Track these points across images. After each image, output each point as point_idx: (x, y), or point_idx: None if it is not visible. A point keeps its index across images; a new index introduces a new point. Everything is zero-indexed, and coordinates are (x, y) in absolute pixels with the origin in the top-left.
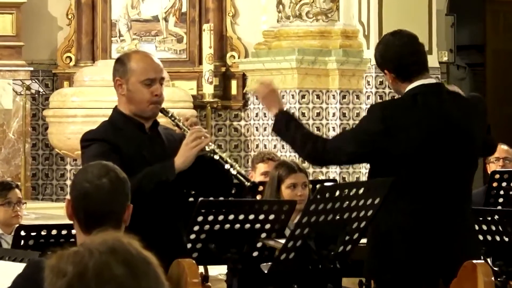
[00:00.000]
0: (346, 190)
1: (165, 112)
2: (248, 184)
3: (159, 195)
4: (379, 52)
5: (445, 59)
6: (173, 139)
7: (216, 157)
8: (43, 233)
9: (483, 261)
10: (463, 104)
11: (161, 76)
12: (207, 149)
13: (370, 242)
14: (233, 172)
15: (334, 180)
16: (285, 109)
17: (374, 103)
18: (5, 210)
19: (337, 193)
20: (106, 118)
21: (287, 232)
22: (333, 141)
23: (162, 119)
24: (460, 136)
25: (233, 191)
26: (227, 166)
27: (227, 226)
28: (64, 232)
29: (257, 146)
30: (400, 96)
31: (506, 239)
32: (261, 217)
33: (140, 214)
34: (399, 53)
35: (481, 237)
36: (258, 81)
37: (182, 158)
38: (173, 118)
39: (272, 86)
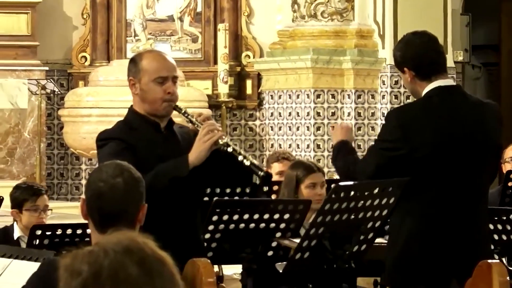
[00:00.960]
0: (361, 190)
1: (178, 109)
2: (261, 173)
3: (175, 193)
4: (399, 50)
5: (460, 58)
6: (188, 137)
7: (230, 149)
8: (58, 232)
9: (498, 261)
10: (479, 107)
11: (173, 75)
12: (220, 142)
13: (391, 253)
14: (246, 163)
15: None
16: (345, 140)
17: (389, 103)
18: (30, 215)
19: (352, 192)
20: (121, 118)
21: (302, 231)
22: (361, 160)
23: (177, 118)
24: (476, 139)
25: (247, 191)
26: (240, 158)
27: (242, 225)
28: (79, 231)
29: (272, 145)
30: (415, 97)
31: None
32: (276, 216)
33: (155, 213)
34: (420, 51)
35: (496, 237)
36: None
37: (196, 153)
38: (186, 115)
39: (347, 126)
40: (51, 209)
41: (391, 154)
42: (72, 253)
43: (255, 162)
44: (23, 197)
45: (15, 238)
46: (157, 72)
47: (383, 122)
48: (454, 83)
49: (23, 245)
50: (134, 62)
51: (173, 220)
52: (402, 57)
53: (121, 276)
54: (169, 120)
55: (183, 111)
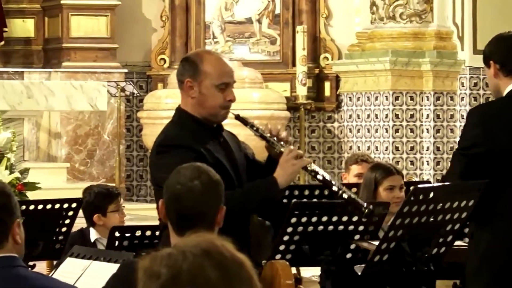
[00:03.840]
0: (440, 192)
1: (244, 121)
2: (366, 211)
3: None
4: (488, 45)
5: None
6: (233, 140)
7: (319, 177)
8: (137, 234)
9: None
10: None
11: (234, 80)
12: (309, 168)
13: (477, 260)
14: (345, 196)
15: (428, 181)
16: None
17: (468, 105)
18: (117, 216)
19: (431, 195)
20: None
21: (381, 234)
22: (447, 173)
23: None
24: None
25: (326, 193)
26: (334, 188)
27: (321, 227)
28: (157, 233)
29: (351, 147)
30: (495, 96)
31: None
32: (355, 218)
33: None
34: (507, 45)
35: None
36: None
37: (285, 176)
38: (255, 128)
39: None
40: (124, 206)
41: (471, 151)
42: (151, 256)
43: (353, 195)
44: (107, 200)
45: (91, 240)
46: (221, 78)
47: (465, 122)
48: None
49: (100, 247)
50: (192, 63)
51: (244, 223)
52: (489, 50)
53: (200, 279)
54: (218, 125)
55: (250, 124)
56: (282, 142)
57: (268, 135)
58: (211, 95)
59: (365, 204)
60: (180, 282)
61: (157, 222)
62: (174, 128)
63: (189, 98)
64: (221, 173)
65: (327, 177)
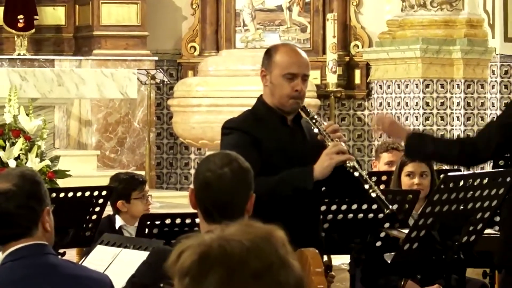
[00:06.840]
0: (471, 180)
1: (306, 111)
2: (387, 211)
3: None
4: None
5: None
6: (314, 134)
7: (356, 174)
8: (167, 222)
9: None
10: None
11: (304, 73)
12: (348, 164)
13: (503, 233)
14: (373, 195)
15: (458, 169)
16: (412, 131)
17: (499, 93)
18: (140, 203)
19: (461, 183)
20: (231, 108)
21: (411, 222)
22: (481, 137)
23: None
24: None
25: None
26: (366, 187)
27: (350, 215)
28: (188, 221)
29: (381, 135)
30: None
31: None
32: None
33: (275, 209)
34: None
35: None
36: (375, 121)
37: (321, 168)
38: (314, 121)
39: (389, 117)
40: (151, 195)
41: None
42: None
43: (382, 196)
44: (131, 187)
45: (116, 227)
46: (288, 68)
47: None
48: None
49: (126, 233)
50: (268, 53)
51: (293, 216)
52: None
53: (288, 263)
54: (297, 114)
55: (311, 116)
56: (336, 139)
57: (323, 128)
58: (278, 85)
59: (389, 207)
60: (274, 269)
61: (187, 210)
62: (244, 114)
63: (264, 87)
64: (279, 159)
65: (364, 175)
